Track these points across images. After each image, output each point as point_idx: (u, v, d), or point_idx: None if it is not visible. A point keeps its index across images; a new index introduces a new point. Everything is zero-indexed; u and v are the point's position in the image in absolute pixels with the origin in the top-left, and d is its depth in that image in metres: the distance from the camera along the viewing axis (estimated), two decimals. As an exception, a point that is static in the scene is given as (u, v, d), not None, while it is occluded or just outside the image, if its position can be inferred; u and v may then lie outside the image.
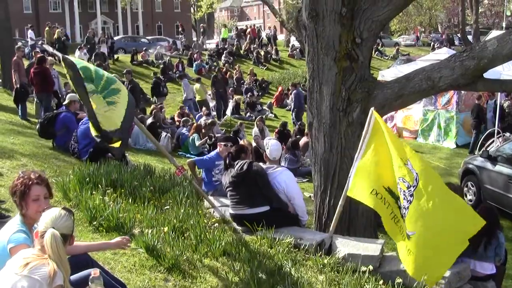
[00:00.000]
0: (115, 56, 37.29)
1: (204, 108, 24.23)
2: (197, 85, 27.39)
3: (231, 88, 30.54)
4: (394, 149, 6.48)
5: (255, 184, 7.55)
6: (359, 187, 6.76)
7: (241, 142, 10.57)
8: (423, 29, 56.32)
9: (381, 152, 6.68)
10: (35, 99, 17.83)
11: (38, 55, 18.14)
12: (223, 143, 9.92)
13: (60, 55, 7.70)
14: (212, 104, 27.83)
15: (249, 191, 7.56)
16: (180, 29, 54.82)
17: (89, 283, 4.25)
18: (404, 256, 6.32)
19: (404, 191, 6.21)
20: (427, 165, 6.61)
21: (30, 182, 4.58)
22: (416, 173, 6.17)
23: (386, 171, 6.58)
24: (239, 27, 60.17)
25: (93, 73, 7.09)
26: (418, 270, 6.17)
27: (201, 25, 56.51)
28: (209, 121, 20.62)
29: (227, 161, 8.07)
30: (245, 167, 7.60)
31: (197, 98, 26.98)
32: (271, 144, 8.18)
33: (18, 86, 17.29)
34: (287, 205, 7.75)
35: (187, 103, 26.68)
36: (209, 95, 28.66)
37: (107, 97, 7.07)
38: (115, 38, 49.82)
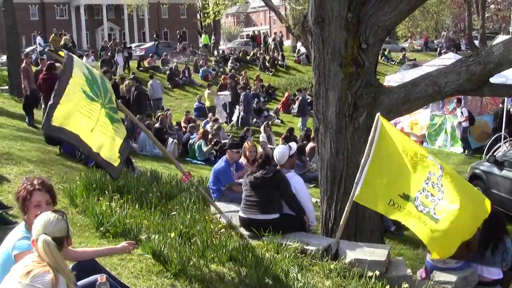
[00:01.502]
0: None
1: (210, 114, 24.23)
2: (207, 91, 27.33)
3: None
4: (411, 148, 6.67)
5: (274, 192, 7.58)
6: (371, 195, 6.78)
7: (245, 144, 10.62)
8: (415, 39, 56.03)
9: (390, 157, 6.72)
10: (43, 105, 17.89)
11: (48, 62, 18.19)
12: (235, 150, 9.96)
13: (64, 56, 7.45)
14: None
15: (266, 197, 7.59)
16: (154, 35, 54.35)
17: (96, 288, 4.27)
18: (425, 233, 6.51)
19: (436, 184, 6.53)
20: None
21: (32, 188, 4.61)
22: (439, 163, 6.63)
23: (399, 177, 6.63)
24: (248, 33, 60.18)
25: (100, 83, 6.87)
26: (433, 242, 6.51)
27: (177, 31, 55.92)
28: (215, 126, 20.64)
29: (260, 162, 8.01)
30: (270, 173, 7.63)
31: (206, 104, 26.93)
32: (278, 151, 8.21)
33: (28, 93, 17.33)
34: (304, 211, 7.78)
35: (155, 102, 26.89)
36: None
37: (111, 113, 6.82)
38: (148, 44, 49.80)
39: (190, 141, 19.20)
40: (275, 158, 8.22)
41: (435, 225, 6.38)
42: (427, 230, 6.43)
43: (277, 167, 8.06)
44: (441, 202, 6.42)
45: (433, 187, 6.52)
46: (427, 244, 6.56)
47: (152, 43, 51.41)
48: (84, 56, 33.66)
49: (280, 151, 8.16)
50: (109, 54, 35.43)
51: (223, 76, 32.57)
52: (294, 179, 7.94)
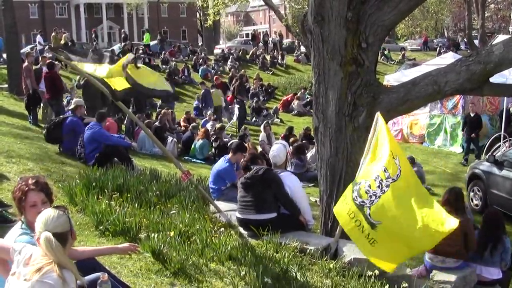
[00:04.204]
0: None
1: (209, 113, 24.14)
2: (215, 91, 26.97)
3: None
4: (389, 146, 6.50)
5: (267, 190, 7.57)
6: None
7: (246, 145, 10.65)
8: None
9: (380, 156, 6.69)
10: (42, 104, 17.93)
11: (48, 61, 18.21)
12: (242, 153, 10.02)
13: (68, 57, 7.82)
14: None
15: (259, 196, 7.58)
16: (93, 35, 53.49)
17: (97, 287, 4.26)
18: (366, 246, 6.36)
19: (381, 180, 6.23)
20: (411, 170, 6.62)
21: (27, 188, 4.57)
22: (400, 170, 6.25)
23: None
24: (247, 32, 60.14)
25: None
26: (377, 257, 6.38)
27: (122, 30, 55.03)
28: (219, 125, 20.67)
29: (245, 165, 8.09)
30: (261, 171, 7.64)
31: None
32: (275, 152, 8.20)
33: (30, 92, 17.32)
34: (300, 211, 7.77)
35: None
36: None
37: None
38: (151, 43, 49.70)
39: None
40: (272, 160, 8.21)
41: (371, 231, 6.21)
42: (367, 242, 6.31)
43: (272, 167, 8.07)
44: (377, 202, 6.18)
45: (375, 181, 6.29)
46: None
47: (154, 42, 51.33)
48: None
49: (278, 152, 8.13)
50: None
51: (215, 77, 32.47)
52: (289, 179, 7.92)
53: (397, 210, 6.10)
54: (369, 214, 6.20)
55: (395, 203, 6.12)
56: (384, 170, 6.27)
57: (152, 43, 50.33)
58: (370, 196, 6.26)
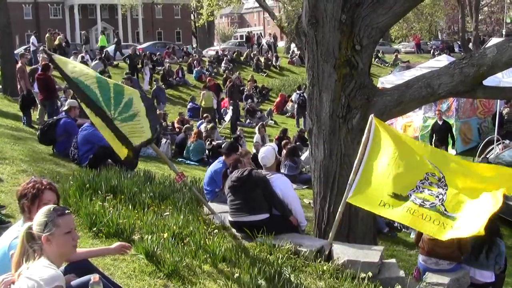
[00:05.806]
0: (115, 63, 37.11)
1: (205, 114, 24.11)
2: (206, 92, 26.98)
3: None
4: (409, 148, 6.64)
5: (255, 191, 7.54)
6: (364, 196, 6.75)
7: (240, 150, 10.61)
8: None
9: (383, 158, 6.71)
10: (39, 106, 17.88)
11: (43, 63, 18.16)
12: (236, 153, 9.95)
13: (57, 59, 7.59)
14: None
15: (249, 197, 7.55)
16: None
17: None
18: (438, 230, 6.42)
19: (437, 184, 6.52)
20: (440, 154, 6.80)
21: (43, 187, 4.70)
22: (435, 166, 6.61)
23: (390, 178, 6.61)
24: (242, 34, 60.13)
25: (99, 95, 7.14)
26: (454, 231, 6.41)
27: (83, 32, 54.69)
28: (210, 125, 20.65)
29: (225, 172, 8.13)
30: (245, 172, 7.61)
31: (203, 104, 26.56)
32: (263, 154, 8.14)
33: (24, 93, 17.27)
34: (291, 212, 7.74)
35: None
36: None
37: (123, 115, 7.19)
38: (145, 45, 49.46)
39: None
40: (260, 161, 8.17)
41: (452, 221, 6.32)
42: (437, 226, 6.34)
43: (263, 170, 8.04)
44: (446, 197, 6.41)
45: (431, 186, 6.48)
46: (445, 236, 6.46)
47: (149, 43, 51.12)
48: (73, 55, 33.46)
49: (266, 154, 8.08)
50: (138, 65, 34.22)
51: (208, 79, 32.34)
52: (280, 181, 7.87)
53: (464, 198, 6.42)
54: (445, 210, 6.38)
55: (459, 194, 6.46)
56: (431, 175, 6.60)
57: (145, 44, 50.32)
58: (433, 194, 6.49)
